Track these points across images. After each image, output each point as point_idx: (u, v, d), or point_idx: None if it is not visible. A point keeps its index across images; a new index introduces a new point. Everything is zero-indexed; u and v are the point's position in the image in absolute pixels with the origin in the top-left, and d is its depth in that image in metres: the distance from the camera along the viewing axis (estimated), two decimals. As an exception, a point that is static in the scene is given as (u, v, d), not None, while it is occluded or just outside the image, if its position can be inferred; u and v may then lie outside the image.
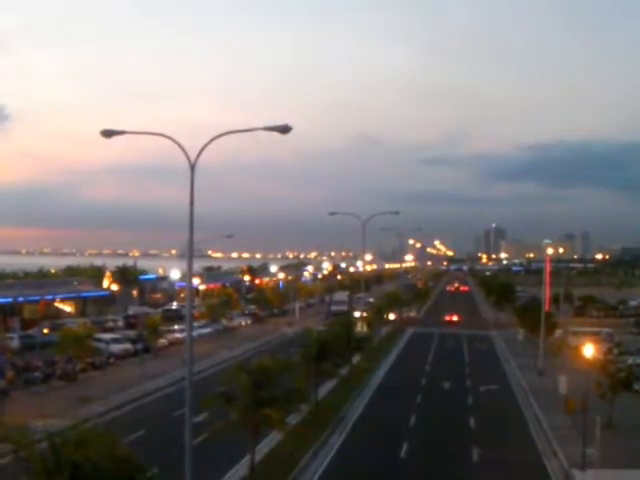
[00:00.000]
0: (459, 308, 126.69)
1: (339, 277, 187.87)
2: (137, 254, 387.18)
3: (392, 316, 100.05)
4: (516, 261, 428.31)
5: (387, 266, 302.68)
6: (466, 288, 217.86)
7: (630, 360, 50.77)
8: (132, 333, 71.44)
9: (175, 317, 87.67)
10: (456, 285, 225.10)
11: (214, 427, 28.89)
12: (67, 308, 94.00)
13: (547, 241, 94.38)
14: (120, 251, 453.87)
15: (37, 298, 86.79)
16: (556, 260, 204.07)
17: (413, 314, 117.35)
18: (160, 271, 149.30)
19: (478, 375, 59.86)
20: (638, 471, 31.98)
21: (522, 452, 36.09)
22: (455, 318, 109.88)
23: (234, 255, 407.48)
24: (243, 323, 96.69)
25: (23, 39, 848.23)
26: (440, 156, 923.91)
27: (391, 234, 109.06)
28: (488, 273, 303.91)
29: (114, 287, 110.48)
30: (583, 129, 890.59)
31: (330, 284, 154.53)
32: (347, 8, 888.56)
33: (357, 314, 75.96)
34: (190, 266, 25.25)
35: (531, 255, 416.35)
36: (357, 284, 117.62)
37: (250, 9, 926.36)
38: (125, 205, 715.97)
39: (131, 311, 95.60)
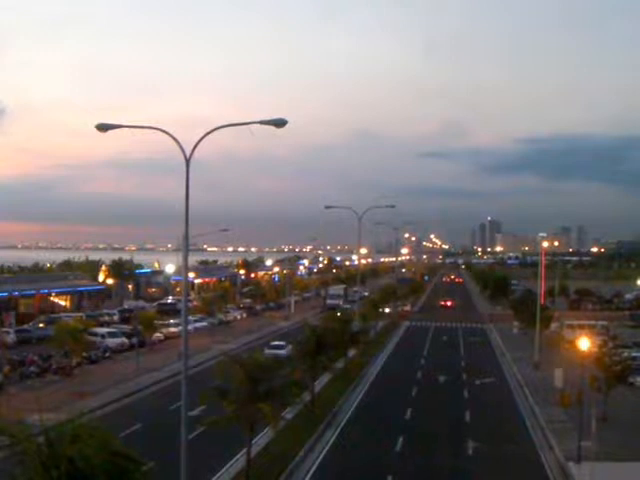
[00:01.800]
0: (453, 295, 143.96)
1: (334, 271, 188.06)
2: (133, 248, 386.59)
3: (387, 310, 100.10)
4: (512, 254, 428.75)
5: (382, 259, 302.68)
6: (460, 279, 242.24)
7: (625, 353, 50.94)
8: (127, 327, 71.44)
9: (171, 311, 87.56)
10: (452, 277, 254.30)
11: (207, 421, 28.86)
12: (63, 302, 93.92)
13: (542, 234, 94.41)
14: (116, 245, 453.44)
15: (33, 292, 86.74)
16: (551, 253, 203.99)
17: (408, 308, 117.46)
18: (156, 265, 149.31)
19: (474, 368, 59.95)
20: (634, 464, 32.09)
21: (518, 445, 36.13)
22: (449, 303, 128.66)
23: (230, 249, 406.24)
24: (239, 317, 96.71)
25: (21, 34, 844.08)
26: (437, 150, 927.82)
27: (387, 227, 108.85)
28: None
29: (110, 281, 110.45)
30: (580, 123, 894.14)
31: (325, 278, 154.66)
32: (345, 4, 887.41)
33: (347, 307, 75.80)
34: (186, 260, 25.16)
35: (526, 248, 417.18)
36: (353, 278, 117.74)
37: (248, 5, 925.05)
38: (121, 199, 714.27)
39: (127, 305, 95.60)
